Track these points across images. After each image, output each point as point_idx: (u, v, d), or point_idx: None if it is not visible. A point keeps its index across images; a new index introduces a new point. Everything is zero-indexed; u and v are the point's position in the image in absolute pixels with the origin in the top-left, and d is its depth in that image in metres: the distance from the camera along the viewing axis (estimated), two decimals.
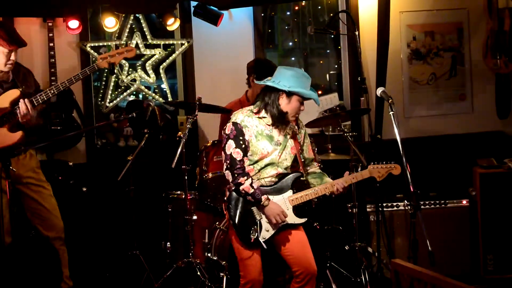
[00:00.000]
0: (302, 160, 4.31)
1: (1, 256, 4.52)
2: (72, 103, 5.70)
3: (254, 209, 4.13)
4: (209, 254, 5.02)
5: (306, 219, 4.25)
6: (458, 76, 6.51)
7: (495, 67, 6.29)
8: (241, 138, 4.10)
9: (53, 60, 5.67)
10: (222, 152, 4.17)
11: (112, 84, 6.07)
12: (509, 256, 5.48)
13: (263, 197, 4.08)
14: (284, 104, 4.11)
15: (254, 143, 4.12)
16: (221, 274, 4.77)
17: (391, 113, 3.99)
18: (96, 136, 6.09)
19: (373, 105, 5.94)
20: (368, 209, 5.57)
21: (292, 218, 4.19)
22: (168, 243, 5.22)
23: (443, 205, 5.61)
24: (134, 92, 6.22)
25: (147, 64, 6.13)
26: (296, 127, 4.29)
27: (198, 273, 4.88)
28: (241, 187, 4.06)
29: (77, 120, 5.79)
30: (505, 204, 5.50)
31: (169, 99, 6.16)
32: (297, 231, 4.22)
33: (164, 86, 6.19)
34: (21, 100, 4.54)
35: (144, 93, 6.23)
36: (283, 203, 4.17)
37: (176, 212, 5.24)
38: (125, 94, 6.13)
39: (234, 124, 4.12)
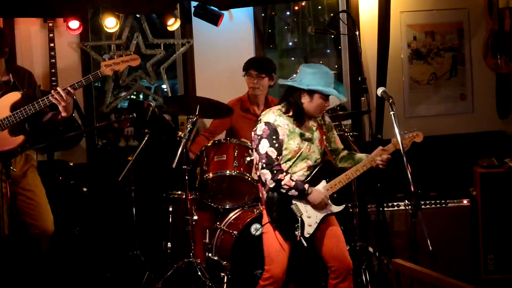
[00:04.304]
0: (331, 149, 4.34)
1: None
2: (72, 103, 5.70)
3: (294, 206, 4.15)
4: (209, 254, 5.02)
5: (345, 205, 4.29)
6: (458, 76, 6.51)
7: (496, 67, 6.29)
8: (274, 137, 4.12)
9: (54, 60, 5.68)
10: (255, 153, 4.19)
11: (112, 84, 6.07)
12: (509, 256, 5.48)
13: (306, 186, 4.12)
14: (307, 102, 4.14)
15: (286, 142, 4.15)
16: (222, 274, 4.78)
17: (391, 113, 3.99)
18: (96, 136, 6.10)
19: (374, 105, 5.94)
20: (368, 209, 5.57)
21: (332, 207, 4.23)
22: (169, 243, 5.22)
23: (443, 205, 5.61)
24: (135, 92, 6.23)
25: (147, 64, 6.13)
26: (321, 119, 4.31)
27: (199, 273, 4.88)
28: (282, 183, 4.08)
29: (77, 120, 5.79)
30: (505, 204, 5.49)
31: None
32: (333, 226, 4.27)
33: (165, 86, 6.19)
34: (57, 89, 4.47)
35: (144, 93, 6.23)
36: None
37: (177, 212, 5.24)
38: (125, 94, 6.13)
39: (267, 123, 4.15)
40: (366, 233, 5.54)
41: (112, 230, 5.82)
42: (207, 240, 5.12)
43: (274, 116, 4.18)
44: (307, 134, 4.22)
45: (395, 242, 5.47)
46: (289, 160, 4.18)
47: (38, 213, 4.75)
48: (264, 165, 4.11)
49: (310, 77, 4.12)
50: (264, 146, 4.12)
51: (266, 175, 4.11)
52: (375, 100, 5.94)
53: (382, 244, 5.29)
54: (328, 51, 6.99)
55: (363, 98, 5.52)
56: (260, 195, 4.31)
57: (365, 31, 6.21)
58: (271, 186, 4.12)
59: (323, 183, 4.23)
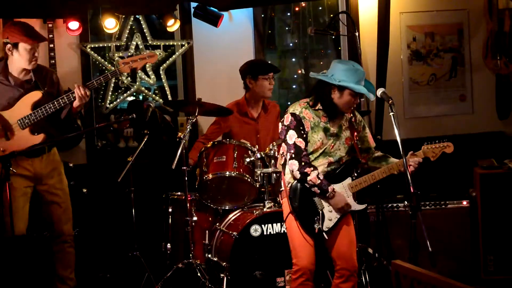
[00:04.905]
0: (362, 148, 4.34)
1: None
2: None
3: (316, 199, 4.16)
4: (209, 255, 5.02)
5: (366, 205, 4.30)
6: (458, 77, 6.51)
7: (495, 68, 6.29)
8: (301, 128, 4.14)
9: (53, 61, 5.67)
10: (283, 144, 4.21)
11: (112, 85, 6.07)
12: (509, 257, 5.48)
13: (330, 188, 4.12)
14: (336, 98, 4.14)
15: (310, 135, 4.16)
16: (221, 275, 4.78)
17: (391, 113, 3.99)
18: (96, 137, 6.10)
19: (373, 106, 5.94)
20: (368, 210, 5.56)
21: (353, 205, 4.24)
22: (169, 244, 5.22)
23: (443, 206, 5.61)
24: (134, 93, 6.23)
25: (147, 65, 6.12)
26: (352, 116, 4.31)
27: (198, 274, 4.88)
28: (308, 178, 4.09)
29: (77, 121, 5.78)
30: (505, 204, 5.49)
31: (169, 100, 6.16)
32: (349, 226, 4.28)
33: (165, 86, 6.19)
34: (76, 85, 4.61)
35: (144, 94, 6.23)
36: (343, 190, 4.20)
37: (176, 213, 5.24)
38: (125, 95, 6.13)
39: (293, 114, 4.17)
40: (366, 234, 5.53)
41: (111, 231, 5.81)
42: (206, 241, 5.11)
43: (300, 108, 4.20)
44: (332, 130, 4.21)
45: (394, 243, 5.47)
46: (310, 153, 4.19)
47: (58, 216, 4.85)
48: (292, 156, 4.13)
49: (342, 73, 4.10)
50: (292, 137, 4.14)
51: (294, 165, 4.12)
52: (375, 101, 5.93)
53: (381, 245, 5.29)
54: (328, 52, 6.99)
55: (363, 99, 5.51)
56: (282, 187, 4.30)
57: (365, 32, 6.21)
58: (298, 177, 4.13)
59: (348, 179, 4.23)
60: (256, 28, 6.30)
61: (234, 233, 4.82)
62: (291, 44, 7.11)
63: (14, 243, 4.59)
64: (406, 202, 5.53)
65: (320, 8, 6.85)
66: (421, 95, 6.48)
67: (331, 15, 6.42)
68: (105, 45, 6.15)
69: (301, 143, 4.13)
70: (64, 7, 5.58)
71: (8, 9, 5.52)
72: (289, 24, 7.03)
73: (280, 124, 4.27)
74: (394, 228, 5.48)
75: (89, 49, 5.97)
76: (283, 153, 4.23)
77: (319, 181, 4.10)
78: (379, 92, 4.20)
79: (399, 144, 3.93)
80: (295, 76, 7.12)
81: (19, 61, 4.67)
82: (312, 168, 4.10)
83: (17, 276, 4.62)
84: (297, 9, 6.87)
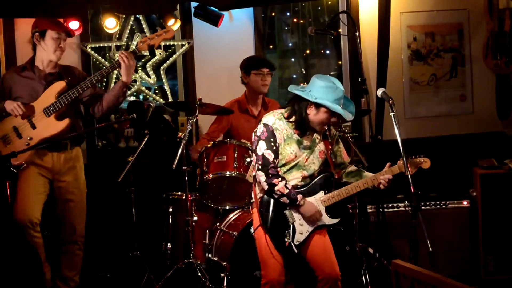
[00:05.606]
0: (336, 163, 4.31)
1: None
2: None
3: (287, 212, 4.14)
4: (209, 255, 5.02)
5: (339, 219, 4.26)
6: (458, 77, 6.51)
7: (496, 68, 6.29)
8: (272, 140, 4.11)
9: None
10: (253, 154, 4.19)
11: (112, 84, 6.07)
12: (509, 257, 5.48)
13: (299, 196, 4.10)
14: (312, 114, 4.10)
15: (282, 147, 4.13)
16: (222, 274, 4.78)
17: (391, 113, 3.99)
18: (96, 137, 6.10)
19: (374, 106, 5.94)
20: (368, 210, 5.57)
21: (326, 219, 4.21)
22: (169, 244, 5.22)
23: (443, 206, 5.61)
24: (135, 93, 6.23)
25: (147, 65, 6.13)
26: (327, 130, 4.26)
27: (199, 274, 4.88)
28: (275, 188, 4.06)
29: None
30: (505, 205, 5.49)
31: (170, 100, 6.16)
32: (321, 235, 4.23)
33: (165, 86, 6.19)
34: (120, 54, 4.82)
35: (144, 94, 6.23)
36: (315, 204, 4.18)
37: (177, 213, 5.24)
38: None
39: (266, 126, 4.13)
40: (366, 234, 5.53)
41: (112, 231, 5.82)
42: (207, 241, 5.11)
43: (274, 119, 4.16)
44: (306, 142, 4.18)
45: (394, 243, 5.47)
46: (283, 166, 4.16)
47: (71, 215, 4.93)
48: (259, 167, 4.10)
49: (320, 90, 4.05)
50: (261, 148, 4.11)
51: (261, 177, 4.10)
52: (375, 101, 5.93)
53: (381, 245, 5.29)
54: (328, 52, 6.99)
55: (363, 99, 5.51)
56: (253, 197, 4.28)
57: (365, 32, 6.21)
58: (265, 188, 4.11)
59: (321, 193, 4.21)
60: (257, 28, 6.30)
61: (234, 233, 4.82)
62: (290, 44, 7.11)
63: (14, 242, 4.60)
64: (406, 202, 5.53)
65: (320, 7, 6.85)
66: (421, 95, 6.48)
67: (331, 15, 6.42)
68: (106, 45, 6.15)
69: (269, 155, 4.09)
70: (64, 7, 5.57)
71: (8, 9, 5.52)
72: (289, 24, 7.03)
73: (253, 134, 4.22)
74: (394, 228, 5.48)
75: (89, 49, 5.97)
76: (255, 164, 4.18)
77: (287, 191, 4.07)
78: (379, 92, 4.20)
79: (400, 144, 3.94)
80: (295, 76, 7.12)
81: (45, 52, 4.80)
82: (280, 179, 4.07)
83: (17, 274, 4.63)
84: (297, 9, 6.87)
